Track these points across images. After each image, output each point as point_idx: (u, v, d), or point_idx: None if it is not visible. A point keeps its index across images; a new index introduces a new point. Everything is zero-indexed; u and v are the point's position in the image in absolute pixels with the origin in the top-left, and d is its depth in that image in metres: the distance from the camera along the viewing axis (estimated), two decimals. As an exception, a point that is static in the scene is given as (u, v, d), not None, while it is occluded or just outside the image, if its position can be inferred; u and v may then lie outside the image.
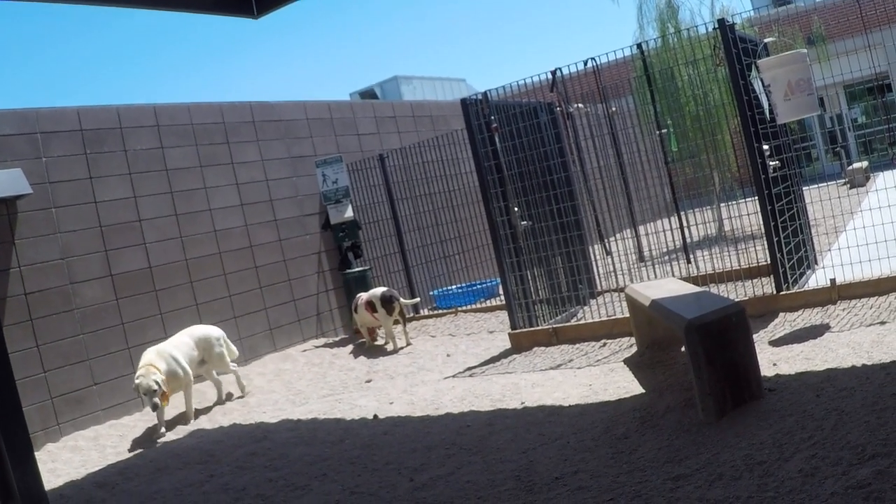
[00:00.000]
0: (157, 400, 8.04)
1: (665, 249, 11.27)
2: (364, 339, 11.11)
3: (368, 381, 9.26)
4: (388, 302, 10.55)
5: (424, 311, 12.71)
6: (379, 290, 10.72)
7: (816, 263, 9.71)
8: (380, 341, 10.99)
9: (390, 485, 5.44)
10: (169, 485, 6.47)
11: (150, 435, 8.37)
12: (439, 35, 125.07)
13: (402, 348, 10.54)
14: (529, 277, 9.64)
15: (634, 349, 7.89)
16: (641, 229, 10.67)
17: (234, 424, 8.23)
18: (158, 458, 7.30)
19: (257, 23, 7.50)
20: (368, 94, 34.16)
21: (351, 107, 14.24)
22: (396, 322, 10.77)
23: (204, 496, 6.03)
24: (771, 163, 8.39)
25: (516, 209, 9.45)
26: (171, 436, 8.24)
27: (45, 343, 8.81)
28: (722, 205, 13.58)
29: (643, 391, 6.41)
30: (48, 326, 8.90)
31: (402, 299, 10.88)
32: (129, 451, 7.99)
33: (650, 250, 10.91)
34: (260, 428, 7.82)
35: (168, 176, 10.49)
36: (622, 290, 8.76)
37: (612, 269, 10.51)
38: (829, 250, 10.05)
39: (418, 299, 12.50)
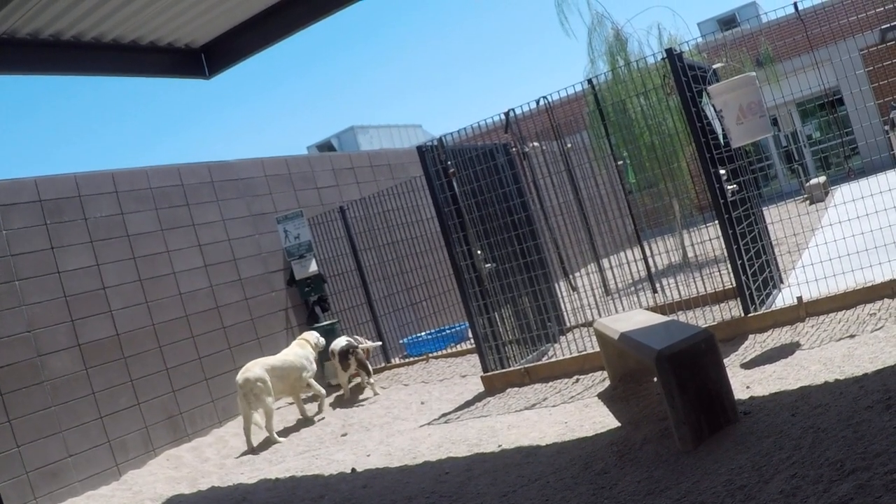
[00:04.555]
0: None
1: (630, 281, 11.31)
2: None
3: (344, 435, 9.17)
4: (343, 358, 10.53)
5: (396, 360, 12.65)
6: (340, 343, 10.68)
7: (782, 282, 9.78)
8: (364, 392, 10.93)
9: (373, 538, 5.38)
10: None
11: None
12: (393, 82, 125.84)
13: (365, 399, 10.54)
14: (498, 319, 9.63)
15: (607, 383, 7.88)
16: (605, 262, 10.71)
17: (212, 487, 8.11)
18: (136, 530, 7.19)
19: (209, 82, 7.51)
20: (326, 146, 34.29)
21: (308, 160, 14.25)
22: (359, 373, 10.76)
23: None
24: (729, 187, 8.46)
25: (479, 252, 9.46)
26: (147, 503, 8.12)
27: (16, 417, 8.66)
28: (683, 232, 13.69)
29: (619, 425, 6.40)
30: (19, 400, 8.75)
31: (365, 342, 10.84)
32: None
33: (616, 283, 10.94)
34: (238, 489, 7.70)
35: (130, 241, 10.41)
36: (591, 324, 8.77)
37: (579, 304, 10.53)
38: (794, 268, 10.14)
39: (379, 343, 12.42)
